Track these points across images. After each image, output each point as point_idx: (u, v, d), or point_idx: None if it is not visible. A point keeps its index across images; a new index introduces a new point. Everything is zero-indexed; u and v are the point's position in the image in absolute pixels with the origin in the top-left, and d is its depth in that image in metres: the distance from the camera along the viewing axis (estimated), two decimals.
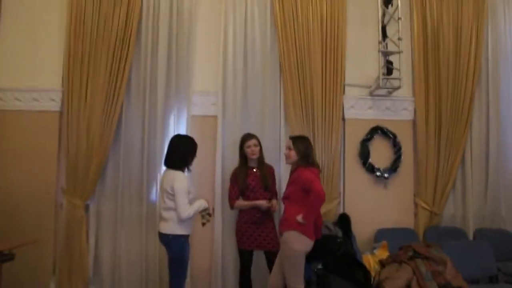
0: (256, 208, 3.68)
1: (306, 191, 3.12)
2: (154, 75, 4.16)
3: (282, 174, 4.14)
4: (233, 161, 4.04)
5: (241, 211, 3.76)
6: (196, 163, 3.51)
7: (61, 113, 4.15)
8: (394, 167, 4.34)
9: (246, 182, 3.73)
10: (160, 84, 4.15)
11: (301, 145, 3.32)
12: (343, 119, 4.31)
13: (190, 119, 4.19)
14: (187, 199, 3.23)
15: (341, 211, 4.25)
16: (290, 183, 3.31)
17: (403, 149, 4.36)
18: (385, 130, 4.35)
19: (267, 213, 3.74)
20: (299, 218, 3.12)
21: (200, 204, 3.35)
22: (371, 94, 4.38)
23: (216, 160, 4.16)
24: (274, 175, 3.93)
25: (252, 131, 3.92)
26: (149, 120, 4.15)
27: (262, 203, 3.67)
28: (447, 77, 4.36)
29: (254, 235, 3.68)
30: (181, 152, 3.34)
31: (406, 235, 4.20)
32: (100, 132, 4.06)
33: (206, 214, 3.38)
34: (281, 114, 4.29)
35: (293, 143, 3.34)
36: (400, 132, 4.38)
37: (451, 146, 4.35)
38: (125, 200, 4.13)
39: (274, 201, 3.77)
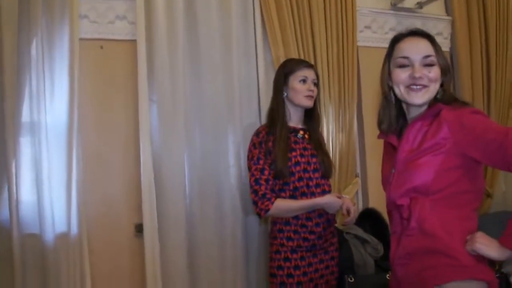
0: (317, 214, 1.79)
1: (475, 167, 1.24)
2: None
3: None
4: (175, 137, 2.10)
5: (284, 224, 1.80)
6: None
7: None
8: None
9: (288, 158, 1.77)
10: None
11: (445, 59, 1.35)
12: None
13: (78, 50, 1.98)
14: None
15: (361, 203, 2.54)
16: (422, 150, 1.25)
17: None
18: None
19: (331, 222, 1.87)
20: (481, 245, 1.16)
21: None
22: (393, 5, 2.68)
23: (141, 136, 2.06)
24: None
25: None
26: None
27: (334, 199, 1.78)
28: None
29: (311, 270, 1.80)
30: None
31: None
32: None
33: None
34: (257, 39, 2.30)
35: (435, 50, 1.31)
36: None
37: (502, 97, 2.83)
38: None
39: (348, 198, 1.92)
